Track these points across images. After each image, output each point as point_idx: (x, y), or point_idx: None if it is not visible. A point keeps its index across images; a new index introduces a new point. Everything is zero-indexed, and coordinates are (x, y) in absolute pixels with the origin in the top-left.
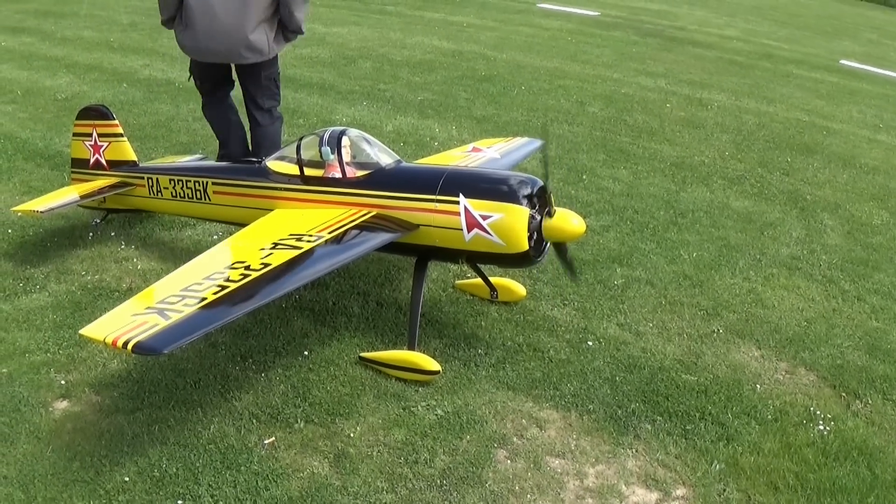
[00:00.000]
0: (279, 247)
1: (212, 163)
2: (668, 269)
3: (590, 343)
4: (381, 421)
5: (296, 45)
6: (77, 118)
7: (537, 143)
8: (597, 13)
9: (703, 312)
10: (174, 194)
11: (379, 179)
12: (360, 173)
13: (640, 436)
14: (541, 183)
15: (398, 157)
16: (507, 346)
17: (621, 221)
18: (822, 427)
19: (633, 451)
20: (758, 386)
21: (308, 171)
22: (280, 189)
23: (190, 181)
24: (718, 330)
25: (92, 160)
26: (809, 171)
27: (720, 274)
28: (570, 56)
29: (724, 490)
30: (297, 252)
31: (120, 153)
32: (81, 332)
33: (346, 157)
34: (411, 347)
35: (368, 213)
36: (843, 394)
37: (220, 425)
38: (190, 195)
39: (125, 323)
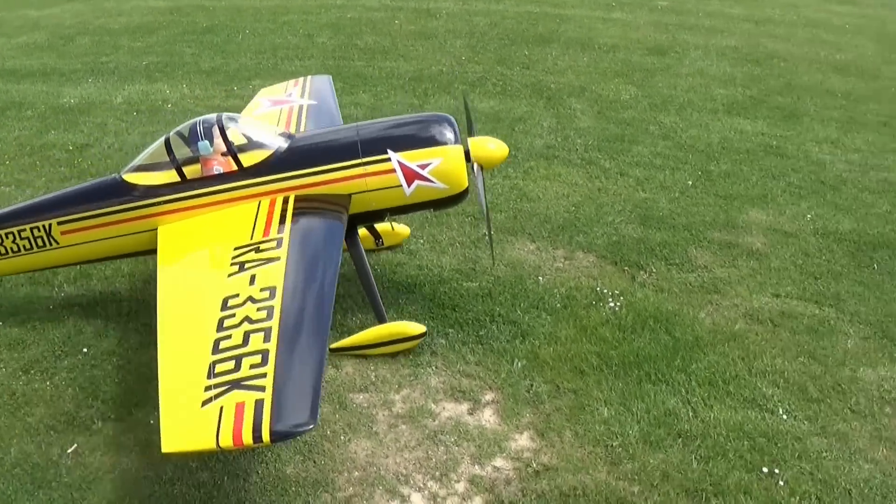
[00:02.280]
0: (248, 266)
1: (44, 198)
2: None
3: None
4: None
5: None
6: None
7: (325, 78)
8: None
9: (471, 218)
10: (3, 252)
11: (284, 160)
12: (258, 159)
13: (437, 352)
14: (452, 117)
15: (283, 130)
16: None
17: None
18: (612, 304)
19: (434, 368)
20: (540, 278)
21: (190, 174)
22: (159, 203)
23: (24, 230)
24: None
25: None
26: (549, 60)
27: None
28: None
29: (532, 385)
30: (275, 263)
31: None
32: (165, 450)
33: (237, 145)
34: (382, 320)
35: (286, 198)
36: (626, 268)
37: (20, 446)
38: (28, 247)
39: (205, 419)
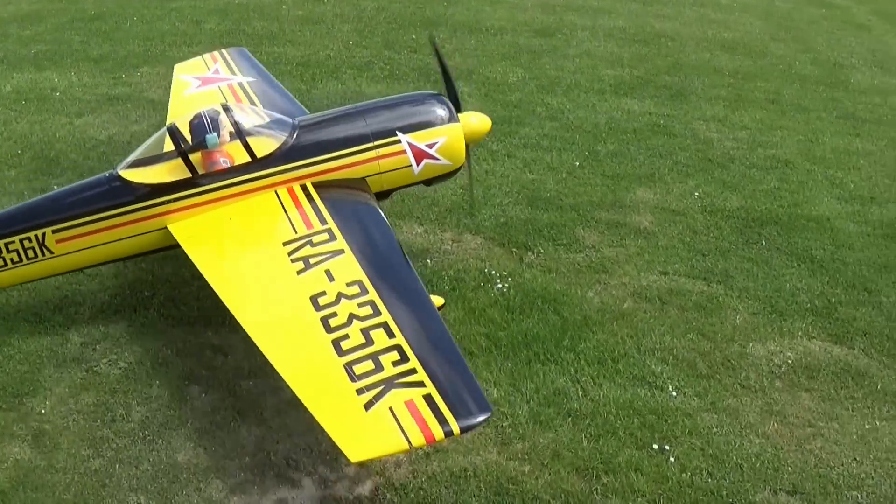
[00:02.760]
0: (314, 262)
1: (31, 204)
2: None
3: None
4: (69, 389)
5: None
6: None
7: (242, 50)
8: None
9: None
10: None
11: (296, 148)
12: (270, 148)
13: None
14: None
15: (284, 117)
16: (172, 281)
17: None
18: (500, 285)
19: None
20: (428, 261)
21: (201, 169)
22: (169, 202)
23: (12, 243)
24: None
25: None
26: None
27: None
28: None
29: None
30: (341, 255)
31: None
32: (355, 459)
33: (249, 136)
34: None
35: (304, 186)
36: (514, 249)
37: None
38: (17, 259)
39: (379, 422)
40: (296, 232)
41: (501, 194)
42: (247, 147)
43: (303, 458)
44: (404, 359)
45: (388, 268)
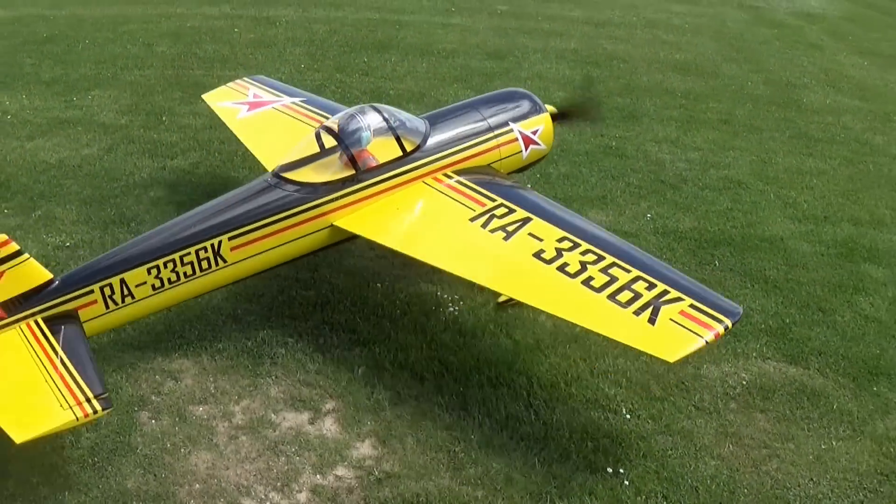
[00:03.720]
0: (512, 230)
1: (198, 214)
2: None
3: None
4: None
5: None
6: None
7: (263, 77)
8: None
9: None
10: (159, 285)
11: (433, 143)
12: (415, 143)
13: (277, 361)
14: None
15: (413, 116)
16: None
17: (209, 155)
18: (452, 308)
19: (273, 378)
20: (379, 285)
21: (362, 165)
22: (336, 199)
23: (188, 254)
24: None
25: None
26: (388, 66)
27: None
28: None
29: (373, 393)
30: (533, 220)
31: (20, 282)
32: (673, 360)
33: (400, 132)
34: None
35: (447, 174)
36: None
37: None
38: (191, 272)
39: (670, 330)
40: (474, 210)
41: None
42: (399, 142)
43: (254, 485)
44: (652, 285)
45: (576, 225)
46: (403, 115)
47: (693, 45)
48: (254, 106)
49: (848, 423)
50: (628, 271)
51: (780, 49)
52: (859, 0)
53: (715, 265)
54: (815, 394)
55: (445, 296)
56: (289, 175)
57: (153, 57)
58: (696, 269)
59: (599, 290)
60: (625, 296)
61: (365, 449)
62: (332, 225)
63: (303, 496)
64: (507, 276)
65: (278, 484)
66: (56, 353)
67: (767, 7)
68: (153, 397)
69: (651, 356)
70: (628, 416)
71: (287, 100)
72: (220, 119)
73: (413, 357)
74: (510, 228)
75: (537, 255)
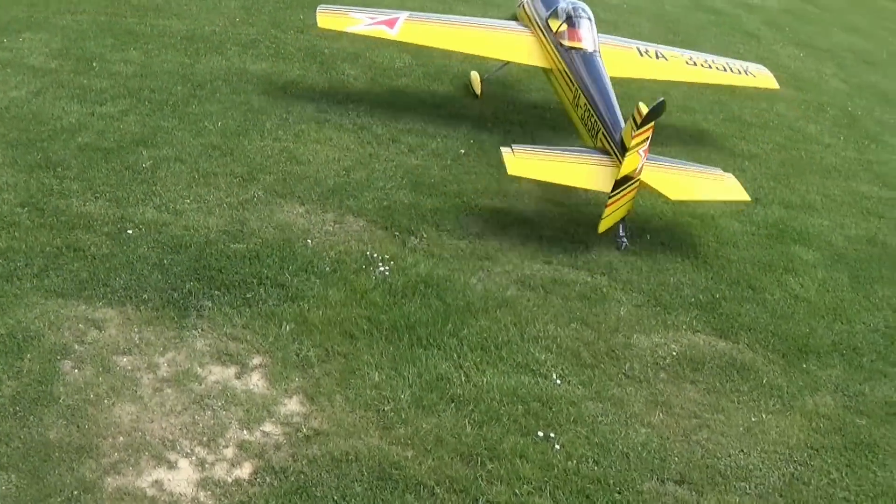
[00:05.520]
0: None
1: None
2: (195, 142)
3: (130, 232)
4: None
5: None
6: None
7: None
8: None
9: (240, 179)
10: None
11: None
12: None
13: (203, 314)
14: None
15: None
16: (47, 252)
17: (139, 103)
18: (382, 268)
19: (199, 331)
20: (309, 241)
21: None
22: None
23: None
24: (258, 194)
25: None
26: None
27: (249, 138)
28: None
29: (301, 349)
30: None
31: None
32: None
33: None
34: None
35: None
36: (397, 233)
37: None
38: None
39: None
40: None
41: (385, 178)
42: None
43: (180, 439)
44: None
45: None
46: None
47: (630, 25)
48: (383, 22)
49: (778, 397)
50: None
51: (718, 35)
52: None
53: (646, 239)
54: (745, 368)
55: (376, 255)
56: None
57: (86, 2)
58: (628, 243)
59: None
60: None
61: (293, 405)
62: None
63: (229, 451)
64: None
65: (204, 439)
66: None
67: None
68: (76, 346)
69: None
70: (559, 382)
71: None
72: (151, 68)
73: (342, 315)
74: None
75: None
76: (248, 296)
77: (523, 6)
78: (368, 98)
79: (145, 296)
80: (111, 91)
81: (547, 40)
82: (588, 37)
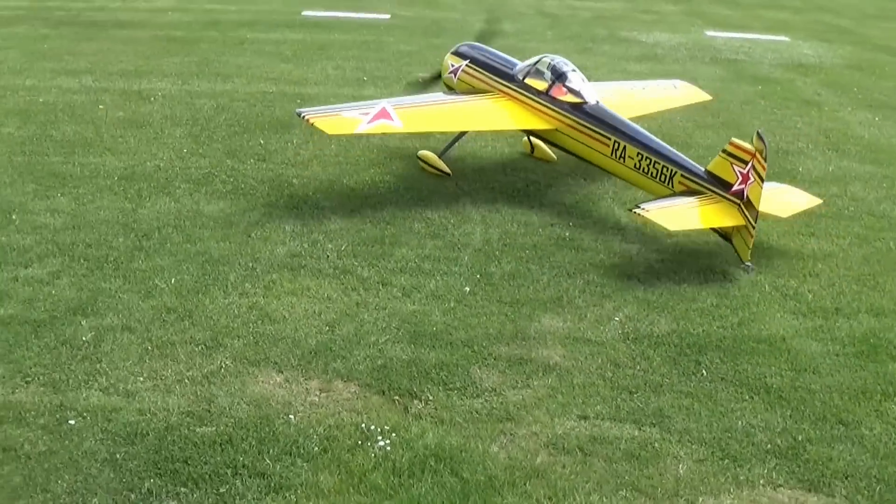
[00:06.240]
0: None
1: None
2: (145, 305)
3: (72, 422)
4: None
5: None
6: None
7: None
8: None
9: (202, 347)
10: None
11: None
12: None
13: None
14: None
15: None
16: None
17: (73, 262)
18: (382, 443)
19: None
20: (292, 416)
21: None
22: None
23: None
24: (226, 363)
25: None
26: (290, 149)
27: (210, 296)
28: None
29: None
30: None
31: None
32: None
33: None
34: None
35: None
36: (396, 397)
37: None
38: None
39: None
40: None
41: (377, 331)
42: None
43: None
44: None
45: None
46: None
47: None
48: (378, 116)
49: None
50: None
51: (767, 109)
52: (864, 42)
53: (702, 375)
54: None
55: (373, 427)
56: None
57: None
58: (679, 381)
59: None
60: None
61: None
62: None
63: None
64: None
65: None
66: None
67: (749, 60)
68: None
69: None
70: None
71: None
72: (85, 218)
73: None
74: None
75: None
76: (221, 490)
77: (463, 71)
78: (349, 234)
79: (95, 501)
80: (37, 249)
81: (535, 100)
82: (587, 88)
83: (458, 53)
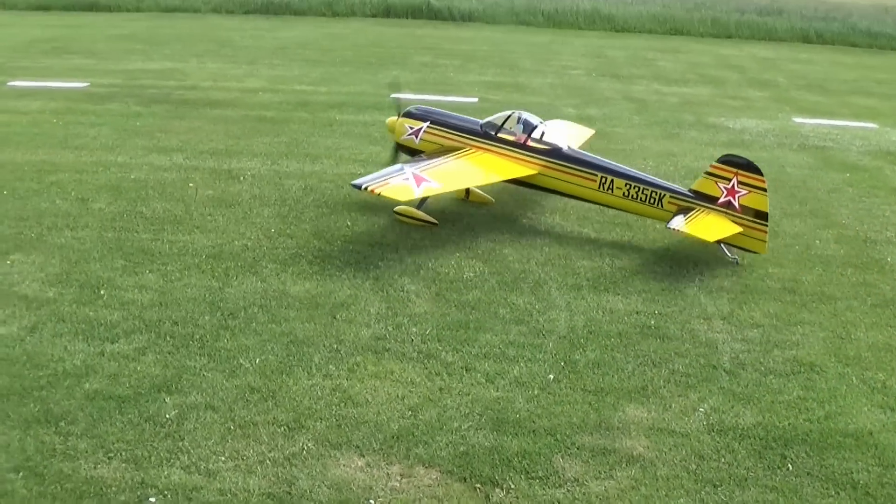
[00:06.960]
0: None
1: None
2: (229, 385)
3: (152, 500)
4: None
5: None
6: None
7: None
8: (85, 84)
9: (284, 428)
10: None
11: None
12: None
13: None
14: None
15: None
16: None
17: (159, 339)
18: None
19: None
20: (372, 501)
21: None
22: None
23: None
24: (307, 445)
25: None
26: (377, 231)
27: (294, 377)
28: (59, 143)
29: None
30: None
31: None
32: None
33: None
34: None
35: None
36: (478, 485)
37: None
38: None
39: None
40: None
41: (460, 417)
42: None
43: None
44: None
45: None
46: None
47: None
48: (419, 179)
49: None
50: None
51: (855, 197)
52: None
53: (787, 469)
54: None
55: None
56: None
57: (88, 214)
58: (764, 475)
59: None
60: None
61: None
62: None
63: None
64: None
65: None
66: None
67: (837, 147)
68: None
69: None
70: None
71: (409, 166)
72: (172, 295)
73: None
74: None
75: None
76: None
77: (425, 132)
78: (434, 318)
79: None
80: (124, 325)
81: (512, 151)
82: (558, 134)
83: (411, 115)
